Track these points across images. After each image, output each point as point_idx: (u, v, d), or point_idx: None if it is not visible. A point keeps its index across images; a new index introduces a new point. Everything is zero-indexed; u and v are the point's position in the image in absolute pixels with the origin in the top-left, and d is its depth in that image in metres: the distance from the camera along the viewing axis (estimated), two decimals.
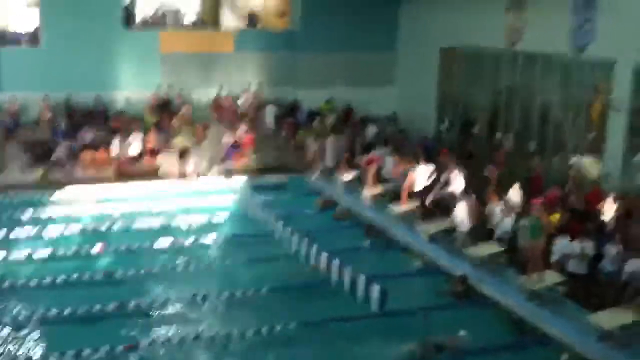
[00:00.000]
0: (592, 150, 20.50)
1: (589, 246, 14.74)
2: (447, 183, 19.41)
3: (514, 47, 23.26)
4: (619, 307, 13.32)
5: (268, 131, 28.55)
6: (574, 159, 20.60)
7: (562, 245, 15.07)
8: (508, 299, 14.95)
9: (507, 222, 16.88)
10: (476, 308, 15.27)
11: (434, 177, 20.50)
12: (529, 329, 14.07)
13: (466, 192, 18.61)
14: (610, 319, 13.08)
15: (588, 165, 19.92)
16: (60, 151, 25.00)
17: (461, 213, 17.56)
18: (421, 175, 20.56)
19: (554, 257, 15.21)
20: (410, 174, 20.32)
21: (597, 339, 12.92)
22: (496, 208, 17.54)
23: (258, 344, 13.60)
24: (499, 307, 14.97)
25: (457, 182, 19.36)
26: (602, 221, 16.40)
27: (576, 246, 14.73)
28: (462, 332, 13.18)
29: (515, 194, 18.09)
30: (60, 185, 23.77)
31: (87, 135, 25.95)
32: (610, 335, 12.92)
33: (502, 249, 16.48)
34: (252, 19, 30.98)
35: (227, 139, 26.85)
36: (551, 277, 14.81)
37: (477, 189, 19.04)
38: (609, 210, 16.65)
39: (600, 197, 17.21)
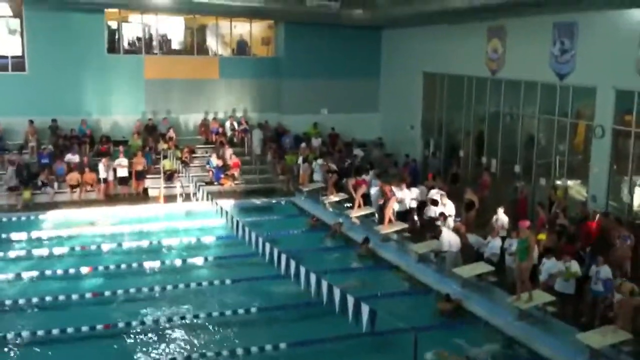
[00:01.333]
0: (577, 173, 20.79)
1: (574, 265, 14.86)
2: (434, 203, 19.53)
3: (494, 75, 23.61)
4: (608, 326, 13.40)
5: (254, 155, 28.65)
6: (558, 182, 20.88)
7: (550, 265, 15.21)
8: (497, 319, 15.02)
9: (496, 243, 17.02)
10: (466, 326, 15.36)
11: (419, 199, 20.71)
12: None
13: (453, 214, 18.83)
14: (599, 338, 13.16)
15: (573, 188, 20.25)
16: (45, 174, 24.94)
17: (449, 234, 17.71)
18: (407, 197, 20.75)
19: (542, 277, 15.34)
20: (393, 197, 20.47)
21: (588, 358, 13.00)
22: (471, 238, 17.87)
23: None
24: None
25: (447, 204, 19.55)
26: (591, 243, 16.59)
27: (562, 266, 14.84)
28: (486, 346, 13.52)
29: (501, 216, 18.29)
30: (46, 207, 23.72)
31: (73, 158, 25.90)
32: (600, 355, 13.01)
33: (491, 269, 16.58)
34: (242, 47, 31.20)
35: (214, 161, 26.96)
36: (540, 297, 14.91)
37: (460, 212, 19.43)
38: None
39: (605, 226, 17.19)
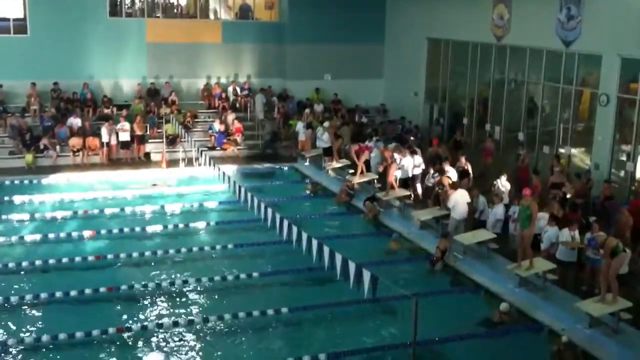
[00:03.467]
0: (581, 142, 20.74)
1: (578, 235, 14.86)
2: (442, 172, 19.40)
3: (500, 41, 23.41)
4: (608, 294, 13.43)
5: (257, 120, 28.56)
6: (562, 150, 20.84)
7: (552, 233, 15.19)
8: (498, 286, 15.09)
9: (498, 210, 16.99)
10: (466, 293, 15.46)
11: (422, 167, 20.65)
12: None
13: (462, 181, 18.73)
14: (599, 306, 13.21)
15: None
16: (47, 138, 24.93)
17: (459, 193, 17.56)
18: (409, 165, 20.68)
19: (544, 245, 15.35)
20: (394, 164, 20.41)
21: (588, 325, 13.07)
22: (480, 198, 17.74)
23: (250, 328, 13.66)
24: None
25: (450, 171, 19.45)
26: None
27: (568, 235, 14.80)
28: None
29: (504, 182, 18.27)
30: (49, 171, 23.77)
31: (75, 122, 25.85)
32: (600, 322, 13.08)
33: (493, 236, 16.60)
34: (245, 11, 30.89)
35: (217, 126, 26.90)
36: (540, 265, 14.95)
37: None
38: None
39: None
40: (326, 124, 25.31)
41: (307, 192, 22.79)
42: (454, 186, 18.05)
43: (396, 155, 20.72)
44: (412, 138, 24.38)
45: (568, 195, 17.41)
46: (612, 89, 19.06)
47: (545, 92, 22.10)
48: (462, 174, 19.46)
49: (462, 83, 26.19)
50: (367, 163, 22.28)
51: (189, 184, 23.22)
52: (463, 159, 20.20)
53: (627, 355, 12.16)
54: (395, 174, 20.37)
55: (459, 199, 17.38)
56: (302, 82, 30.11)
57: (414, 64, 28.57)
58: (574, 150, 20.81)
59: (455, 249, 16.72)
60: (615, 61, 18.86)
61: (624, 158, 19.12)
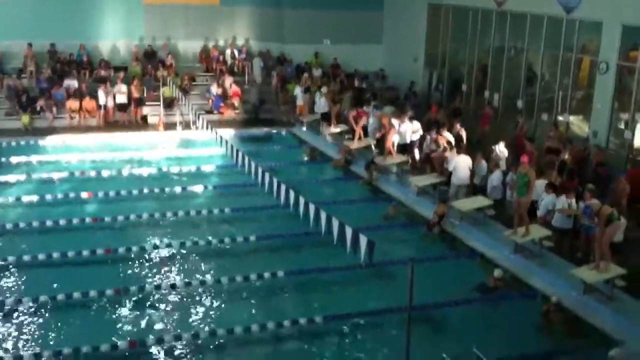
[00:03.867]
0: (580, 109, 20.68)
1: (574, 202, 14.89)
2: (436, 141, 19.38)
3: (500, 7, 23.20)
4: (603, 261, 13.49)
5: (255, 83, 28.42)
6: (560, 118, 20.79)
7: (548, 200, 15.23)
8: (494, 252, 15.17)
9: (495, 176, 16.99)
10: (463, 259, 15.55)
11: (420, 132, 20.60)
12: None
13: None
14: (594, 273, 13.28)
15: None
16: (44, 99, 24.79)
17: (458, 166, 17.55)
18: (407, 130, 20.63)
19: (540, 212, 15.40)
20: (392, 130, 20.37)
21: (582, 292, 13.16)
22: (482, 163, 17.73)
23: (247, 291, 13.75)
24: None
25: (447, 137, 19.41)
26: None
27: (562, 201, 14.85)
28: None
29: (502, 149, 18.26)
30: (45, 132, 23.70)
31: (72, 84, 25.69)
32: (594, 289, 13.18)
33: (491, 202, 16.64)
34: None
35: (215, 90, 26.76)
36: (536, 231, 15.01)
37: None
38: None
39: None
40: (324, 89, 25.18)
41: (305, 157, 22.78)
42: (450, 146, 18.08)
43: (394, 121, 20.66)
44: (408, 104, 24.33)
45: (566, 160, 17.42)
46: (612, 57, 18.94)
47: (545, 60, 21.97)
48: (456, 140, 19.41)
49: (462, 49, 26.00)
50: (365, 128, 22.25)
51: (187, 147, 23.15)
52: (458, 125, 20.16)
53: (621, 322, 12.25)
54: (393, 140, 20.34)
55: (460, 164, 17.38)
56: (300, 46, 29.88)
57: (413, 30, 28.33)
58: (572, 118, 20.75)
59: (452, 215, 16.76)
60: (616, 29, 18.71)
61: (622, 126, 19.08)
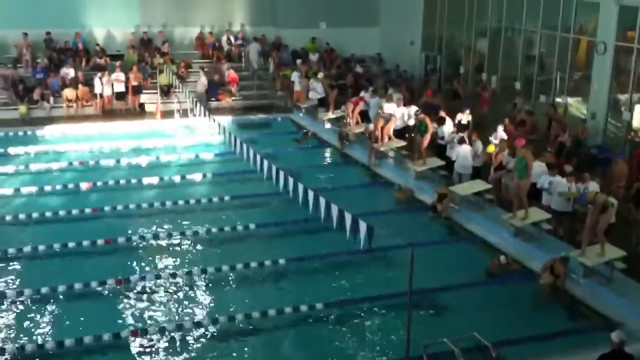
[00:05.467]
0: (578, 91, 20.65)
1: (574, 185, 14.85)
2: (441, 121, 19.28)
3: None
4: (591, 246, 13.48)
5: (252, 69, 28.34)
6: (558, 100, 20.76)
7: (559, 183, 15.05)
8: (493, 236, 15.19)
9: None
10: (462, 243, 15.56)
11: (414, 117, 20.52)
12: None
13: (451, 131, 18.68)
14: (593, 255, 13.30)
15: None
16: (40, 89, 24.73)
17: (459, 155, 17.54)
18: (404, 114, 20.59)
19: (546, 200, 15.27)
20: (393, 118, 20.29)
21: (582, 275, 13.19)
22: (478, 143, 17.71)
23: (247, 278, 13.78)
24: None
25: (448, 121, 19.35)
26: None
27: (563, 184, 14.79)
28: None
29: (500, 133, 18.24)
30: (43, 122, 23.65)
31: (68, 72, 25.61)
32: (594, 272, 13.20)
33: (489, 186, 16.64)
34: None
35: (211, 77, 26.66)
36: (535, 214, 15.03)
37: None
38: None
39: None
40: (320, 75, 25.11)
41: (298, 143, 22.68)
42: (439, 123, 18.40)
43: (389, 105, 20.62)
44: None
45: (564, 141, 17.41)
46: (610, 37, 18.90)
47: (542, 41, 21.90)
48: (463, 127, 19.35)
49: (459, 32, 25.91)
50: (363, 114, 22.22)
51: (185, 135, 23.12)
52: (467, 112, 19.98)
53: (620, 303, 12.30)
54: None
55: (461, 153, 17.38)
56: (296, 30, 29.69)
57: (410, 12, 28.21)
58: (570, 100, 20.73)
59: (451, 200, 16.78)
60: (613, 9, 18.66)
61: (621, 108, 19.05)
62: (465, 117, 19.73)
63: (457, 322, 12.18)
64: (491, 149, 17.13)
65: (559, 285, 12.99)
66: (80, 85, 25.13)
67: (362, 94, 23.08)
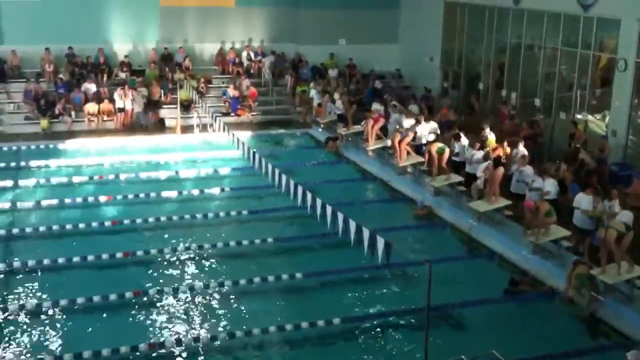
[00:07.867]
0: (598, 108, 20.52)
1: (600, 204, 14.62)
2: (457, 137, 19.23)
3: (517, 5, 23.06)
4: (623, 262, 13.33)
5: (269, 82, 28.50)
6: (579, 116, 20.64)
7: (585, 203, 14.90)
8: (512, 252, 15.08)
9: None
10: (480, 260, 15.48)
11: (436, 132, 20.49)
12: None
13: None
14: (614, 273, 13.16)
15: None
16: (62, 103, 24.99)
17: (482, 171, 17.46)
18: (424, 131, 20.57)
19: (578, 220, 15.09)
20: (410, 133, 20.30)
21: (603, 294, 13.05)
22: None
23: (265, 293, 13.80)
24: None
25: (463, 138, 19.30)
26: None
27: (588, 202, 14.57)
28: None
29: (521, 149, 18.12)
30: (64, 136, 23.88)
31: (90, 87, 25.87)
32: (615, 289, 13.06)
33: (508, 202, 16.53)
34: None
35: (231, 92, 26.83)
36: (555, 232, 14.90)
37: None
38: None
39: None
40: (336, 95, 25.21)
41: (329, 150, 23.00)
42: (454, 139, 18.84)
43: (408, 121, 20.66)
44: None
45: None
46: (631, 54, 18.78)
47: (562, 58, 21.82)
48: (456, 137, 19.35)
49: (479, 48, 25.88)
50: (384, 129, 22.27)
51: (204, 150, 23.24)
52: (487, 129, 19.88)
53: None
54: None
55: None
56: (316, 47, 29.81)
57: (430, 29, 28.23)
58: (590, 117, 20.60)
59: (469, 216, 16.70)
60: (634, 26, 18.55)
61: None
62: (487, 133, 19.58)
63: (475, 339, 12.09)
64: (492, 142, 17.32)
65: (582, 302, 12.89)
66: (106, 100, 25.38)
67: (375, 107, 23.12)
